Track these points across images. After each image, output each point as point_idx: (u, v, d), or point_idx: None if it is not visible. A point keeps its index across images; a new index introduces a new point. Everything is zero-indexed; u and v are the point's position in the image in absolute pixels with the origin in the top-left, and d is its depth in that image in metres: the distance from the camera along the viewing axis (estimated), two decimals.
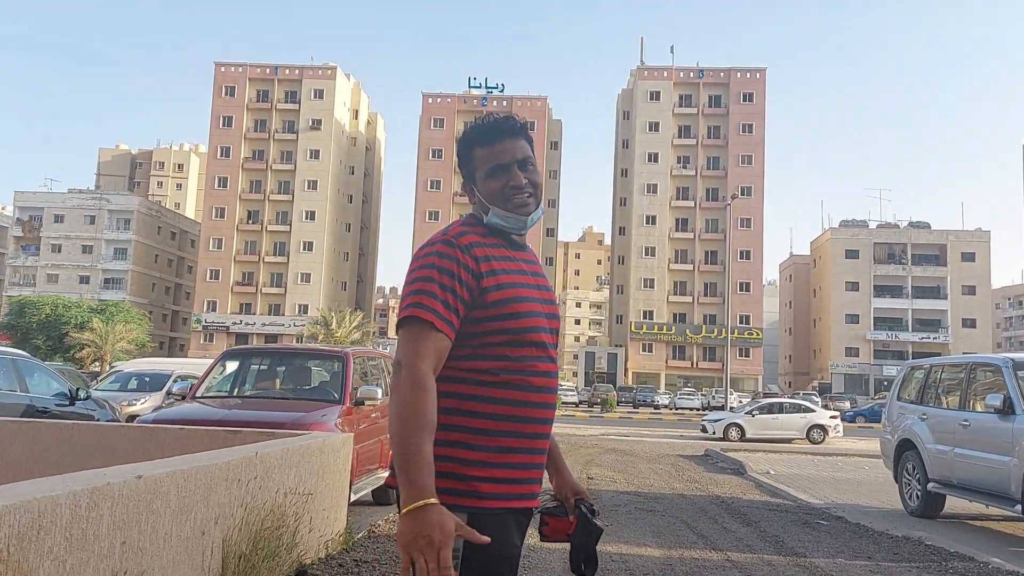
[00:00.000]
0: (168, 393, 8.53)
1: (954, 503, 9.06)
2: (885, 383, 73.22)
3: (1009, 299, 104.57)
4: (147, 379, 18.00)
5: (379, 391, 7.89)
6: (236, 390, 8.45)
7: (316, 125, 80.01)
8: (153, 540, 3.16)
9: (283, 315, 77.58)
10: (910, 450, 9.02)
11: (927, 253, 78.49)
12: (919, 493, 8.80)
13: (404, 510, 1.57)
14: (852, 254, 78.33)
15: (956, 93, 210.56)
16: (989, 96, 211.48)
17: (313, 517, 4.95)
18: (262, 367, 8.85)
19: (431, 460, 1.63)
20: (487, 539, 1.61)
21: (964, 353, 73.43)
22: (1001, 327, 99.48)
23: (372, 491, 8.71)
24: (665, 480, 12.24)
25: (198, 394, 7.97)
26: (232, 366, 8.59)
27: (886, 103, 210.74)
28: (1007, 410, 7.35)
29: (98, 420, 9.05)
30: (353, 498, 7.48)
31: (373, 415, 8.41)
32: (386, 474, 8.88)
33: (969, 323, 76.19)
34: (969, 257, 77.25)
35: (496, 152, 1.94)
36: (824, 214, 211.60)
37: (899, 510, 9.38)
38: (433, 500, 1.57)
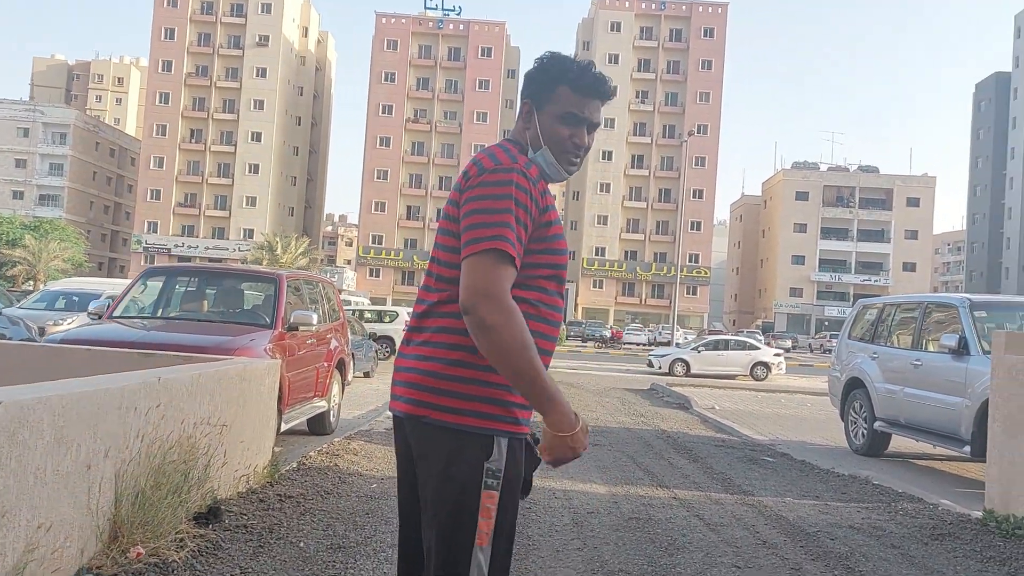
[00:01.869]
0: (88, 312, 7.87)
1: (898, 442, 9.04)
2: (826, 323, 75.11)
3: (948, 244, 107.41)
4: (75, 298, 17.06)
5: (314, 316, 7.40)
6: (160, 311, 7.87)
7: (263, 41, 76.69)
8: (19, 476, 2.69)
9: (228, 239, 75.60)
10: (858, 389, 8.92)
11: (874, 197, 79.73)
12: (864, 432, 8.73)
13: (562, 434, 1.74)
14: (802, 196, 79.17)
15: (913, 38, 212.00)
16: (943, 43, 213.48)
17: (229, 450, 4.51)
18: (189, 288, 8.25)
19: (549, 379, 1.76)
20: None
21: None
22: (939, 271, 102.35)
23: (307, 420, 8.31)
24: (612, 414, 12.09)
25: (116, 314, 7.37)
26: (155, 285, 7.98)
27: (842, 46, 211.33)
28: (961, 350, 7.20)
29: (9, 339, 8.39)
30: (284, 427, 7.07)
31: (309, 341, 7.93)
32: (322, 403, 8.47)
33: (910, 267, 78.14)
34: (914, 202, 78.74)
35: (583, 103, 1.93)
36: (777, 156, 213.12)
37: (843, 448, 9.34)
38: (570, 409, 1.76)
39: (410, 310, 2.66)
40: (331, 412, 8.80)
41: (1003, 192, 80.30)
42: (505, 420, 1.81)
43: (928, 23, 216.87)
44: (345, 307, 28.13)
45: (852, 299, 78.35)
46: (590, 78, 1.93)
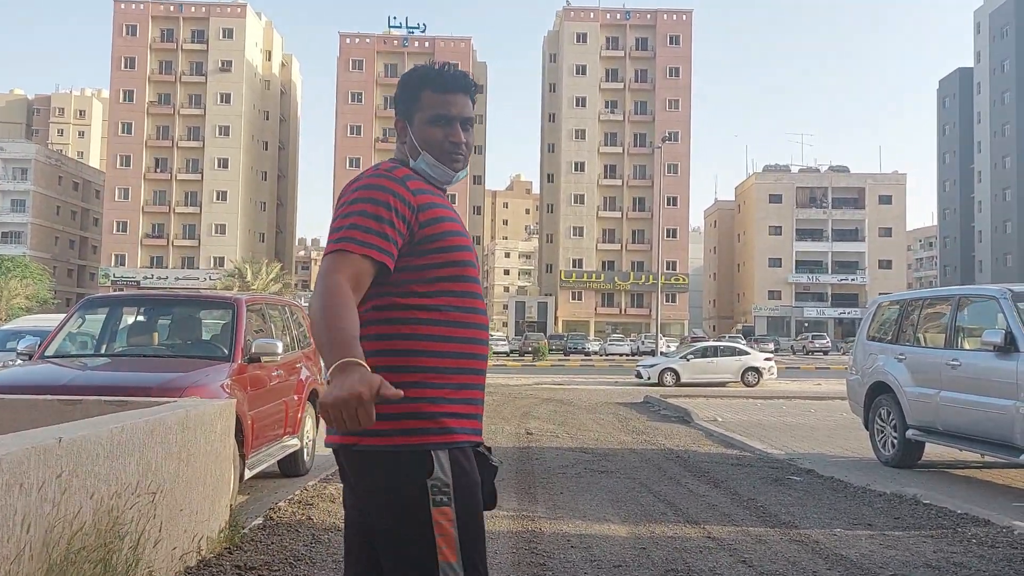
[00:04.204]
0: (17, 352, 6.90)
1: (928, 450, 8.27)
2: (806, 324, 74.96)
3: (920, 241, 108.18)
4: (32, 337, 15.96)
5: (279, 344, 6.48)
6: (104, 347, 6.91)
7: (226, 67, 75.58)
8: None
9: (198, 268, 74.02)
10: (884, 394, 8.14)
11: (846, 196, 79.96)
12: (895, 441, 7.94)
13: (330, 370, 1.57)
14: (775, 198, 79.23)
15: (875, 38, 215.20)
16: (908, 41, 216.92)
17: (168, 520, 3.58)
18: (137, 319, 7.30)
19: (356, 335, 1.64)
20: (400, 392, 1.57)
21: (881, 293, 75.41)
22: (912, 268, 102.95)
23: (278, 461, 7.38)
24: (610, 432, 11.24)
25: (49, 352, 6.40)
26: (96, 318, 7.02)
27: (809, 48, 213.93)
28: (1008, 347, 6.43)
29: None
30: (249, 475, 6.15)
31: (275, 373, 7.02)
32: (294, 441, 7.55)
33: (885, 264, 78.35)
34: (886, 200, 79.06)
35: (446, 102, 1.93)
36: (748, 160, 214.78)
37: (869, 459, 8.56)
38: (361, 361, 1.59)
39: None
40: (304, 450, 7.87)
41: (972, 186, 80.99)
42: (435, 432, 1.75)
43: (889, 22, 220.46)
44: None
45: (830, 299, 78.55)
46: (447, 74, 1.93)
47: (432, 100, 1.91)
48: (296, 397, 7.59)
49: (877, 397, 8.24)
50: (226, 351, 6.27)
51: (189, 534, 3.88)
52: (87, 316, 7.08)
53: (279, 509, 5.63)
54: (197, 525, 4.02)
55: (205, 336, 6.80)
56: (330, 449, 1.87)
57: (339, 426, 1.53)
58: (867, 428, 8.54)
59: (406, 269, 1.79)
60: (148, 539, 3.30)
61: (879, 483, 6.98)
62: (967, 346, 7.21)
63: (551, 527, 5.22)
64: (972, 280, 75.63)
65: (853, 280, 78.12)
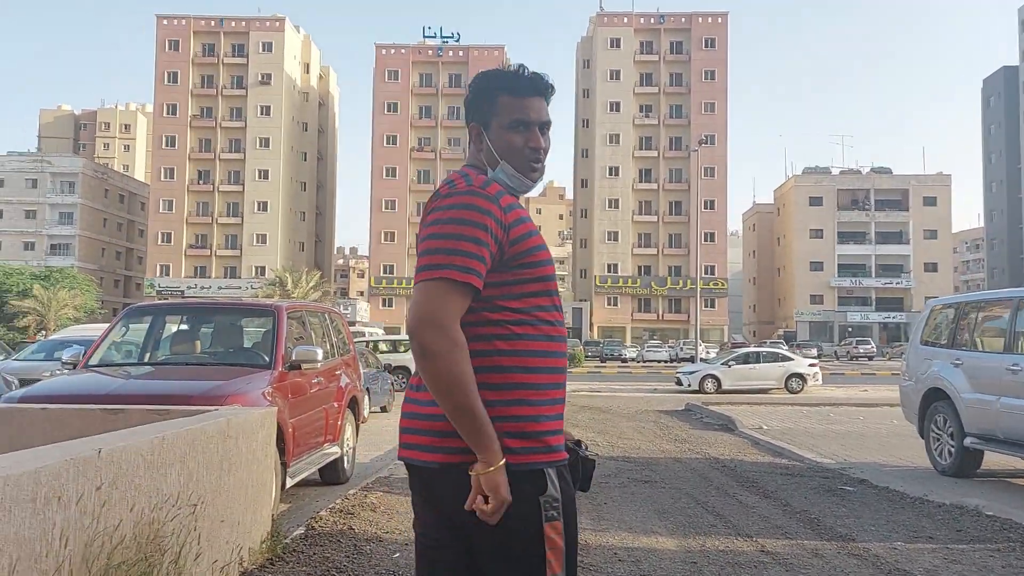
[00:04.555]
0: (62, 362, 6.96)
1: (988, 459, 7.94)
2: (850, 329, 73.54)
3: (967, 243, 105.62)
4: (77, 347, 16.21)
5: (319, 351, 6.44)
6: (148, 355, 6.94)
7: (266, 80, 76.73)
8: None
9: (240, 278, 75.08)
10: (940, 401, 7.84)
11: (890, 198, 78.38)
12: (952, 449, 7.65)
13: (482, 473, 1.66)
14: (816, 201, 77.94)
15: (917, 36, 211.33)
16: (950, 39, 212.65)
17: (209, 532, 3.53)
18: (180, 328, 7.33)
19: (486, 415, 1.70)
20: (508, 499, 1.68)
21: (928, 297, 73.88)
22: (959, 271, 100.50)
23: (319, 469, 7.34)
24: (652, 441, 11.04)
25: (93, 362, 6.43)
26: (140, 327, 7.05)
27: (847, 47, 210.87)
28: None
29: None
30: (291, 483, 6.11)
31: (316, 380, 6.98)
32: (334, 449, 7.51)
33: (931, 267, 76.58)
34: (931, 201, 77.32)
35: (525, 106, 1.90)
36: (787, 162, 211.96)
37: (924, 468, 8.25)
38: (503, 461, 1.69)
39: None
40: (345, 458, 7.82)
41: (1019, 186, 78.84)
42: (541, 451, 1.77)
43: (932, 20, 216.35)
44: (359, 338, 27.26)
45: (874, 303, 76.95)
46: (525, 78, 1.91)
47: (510, 105, 1.89)
48: (336, 404, 7.54)
49: (933, 404, 7.95)
50: (267, 358, 6.24)
51: (231, 545, 3.82)
52: (131, 325, 7.12)
53: (320, 518, 5.56)
54: (239, 536, 3.96)
55: (246, 344, 6.79)
56: (402, 463, 1.86)
57: (488, 520, 1.67)
58: (922, 436, 8.24)
59: (493, 284, 1.77)
60: (189, 552, 3.23)
61: (937, 493, 6.71)
62: None
63: (596, 539, 5.08)
64: (1021, 283, 73.54)
65: (898, 284, 76.49)
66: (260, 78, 76.87)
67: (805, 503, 6.35)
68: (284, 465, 5.93)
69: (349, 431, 8.08)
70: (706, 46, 75.68)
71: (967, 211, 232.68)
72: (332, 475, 7.66)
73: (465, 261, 1.71)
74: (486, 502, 1.66)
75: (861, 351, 58.08)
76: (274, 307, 6.66)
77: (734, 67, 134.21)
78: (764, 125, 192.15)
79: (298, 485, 7.14)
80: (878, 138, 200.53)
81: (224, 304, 8.57)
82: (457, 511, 1.72)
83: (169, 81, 77.09)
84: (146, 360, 6.89)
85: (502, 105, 1.89)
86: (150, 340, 7.03)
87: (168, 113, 77.15)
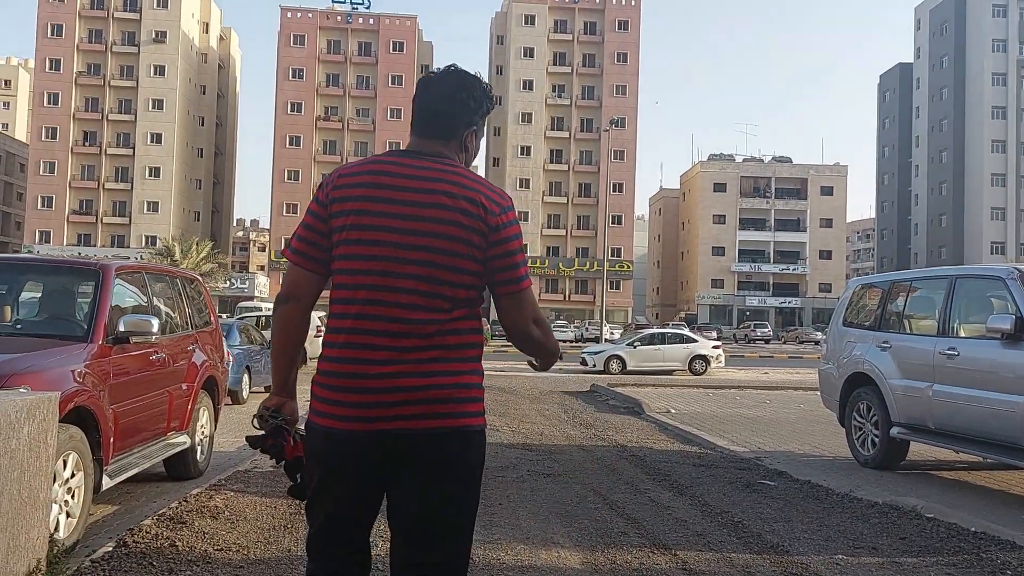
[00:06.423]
0: None
1: (911, 448, 7.43)
2: (747, 312, 75.47)
3: (859, 233, 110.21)
4: None
5: (154, 322, 5.23)
6: None
7: (160, 37, 72.17)
8: None
9: (128, 247, 70.68)
10: (864, 387, 7.26)
11: (789, 187, 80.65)
12: (876, 439, 7.07)
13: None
14: (720, 188, 79.46)
15: (820, 31, 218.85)
16: (850, 36, 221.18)
17: None
18: None
19: None
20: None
21: (821, 284, 76.68)
22: (850, 259, 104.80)
23: (164, 462, 6.16)
24: (556, 426, 10.21)
25: None
26: None
27: (753, 41, 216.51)
28: (1018, 334, 5.57)
29: None
30: (110, 483, 4.91)
31: (155, 356, 5.76)
32: (182, 439, 6.32)
33: (825, 255, 79.38)
34: (828, 191, 79.99)
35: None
36: (694, 149, 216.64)
37: (843, 458, 7.69)
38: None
39: (324, 315, 2.24)
40: (198, 448, 6.64)
41: (909, 180, 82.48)
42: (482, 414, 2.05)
43: (834, 16, 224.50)
44: (255, 313, 25.49)
45: (772, 288, 79.20)
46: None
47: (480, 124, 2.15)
48: (186, 386, 6.35)
49: (856, 390, 7.36)
50: (83, 329, 5.00)
51: None
52: None
53: (140, 530, 4.41)
54: None
55: (59, 310, 5.50)
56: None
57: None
58: (843, 424, 7.66)
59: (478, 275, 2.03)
60: None
61: (865, 489, 6.09)
62: (964, 333, 6.34)
63: (485, 555, 4.13)
64: None
65: (794, 270, 78.95)
66: (154, 35, 72.28)
67: (725, 502, 5.58)
68: (99, 462, 4.75)
69: (205, 417, 6.88)
70: (619, 28, 75.65)
71: (860, 202, 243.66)
72: (180, 469, 6.48)
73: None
74: None
75: (759, 334, 59.56)
76: (99, 266, 5.38)
77: (645, 54, 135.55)
78: (672, 111, 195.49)
79: (141, 480, 5.97)
80: (782, 129, 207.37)
81: (38, 262, 7.19)
82: (447, 468, 1.95)
83: (53, 34, 71.66)
84: None
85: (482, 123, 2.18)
86: None
87: (51, 68, 71.76)
